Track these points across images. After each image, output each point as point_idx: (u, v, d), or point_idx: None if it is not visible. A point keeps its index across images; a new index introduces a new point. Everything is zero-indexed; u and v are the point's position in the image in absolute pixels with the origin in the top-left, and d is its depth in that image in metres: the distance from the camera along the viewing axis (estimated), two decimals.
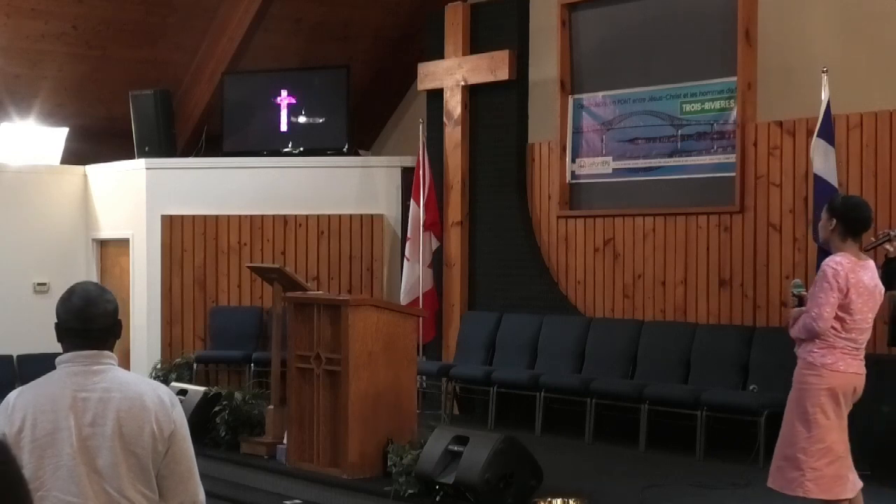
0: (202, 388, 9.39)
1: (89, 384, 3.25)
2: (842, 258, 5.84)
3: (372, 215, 12.00)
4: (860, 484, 5.98)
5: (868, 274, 5.86)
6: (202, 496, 3.38)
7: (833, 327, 5.81)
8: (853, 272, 5.80)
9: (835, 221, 5.90)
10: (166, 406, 3.29)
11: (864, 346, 5.91)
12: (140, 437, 3.24)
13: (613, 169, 10.38)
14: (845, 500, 5.92)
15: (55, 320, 3.30)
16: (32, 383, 3.34)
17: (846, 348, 5.82)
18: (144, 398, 3.27)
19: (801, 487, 5.84)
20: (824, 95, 8.15)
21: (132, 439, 3.23)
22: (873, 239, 6.17)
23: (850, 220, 5.89)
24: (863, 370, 5.89)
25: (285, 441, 8.37)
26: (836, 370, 5.80)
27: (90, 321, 3.27)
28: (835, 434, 5.80)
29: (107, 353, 3.30)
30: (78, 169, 12.76)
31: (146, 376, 6.45)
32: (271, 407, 8.77)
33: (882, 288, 5.97)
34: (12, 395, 3.29)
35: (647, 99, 10.10)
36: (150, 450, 3.26)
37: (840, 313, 5.79)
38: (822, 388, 5.81)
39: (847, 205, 6.03)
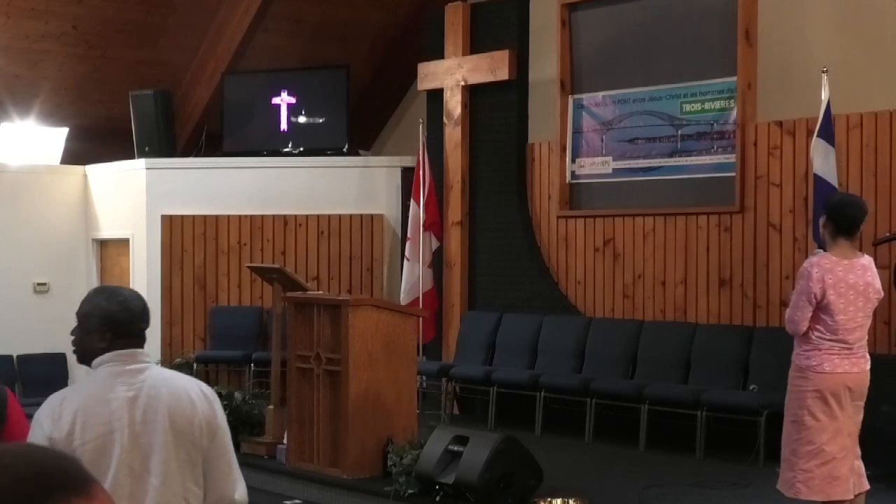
0: None
1: (136, 382, 3.28)
2: (819, 259, 5.84)
3: (372, 215, 12.00)
4: (865, 486, 5.96)
5: (856, 273, 5.83)
6: (241, 490, 3.42)
7: (817, 329, 5.80)
8: (831, 272, 5.77)
9: (825, 219, 5.92)
10: (210, 400, 3.36)
11: (858, 344, 5.87)
12: (190, 431, 3.29)
13: (613, 169, 10.38)
14: (845, 501, 5.91)
15: (105, 322, 3.29)
16: (76, 386, 3.36)
17: (833, 349, 5.80)
18: (190, 393, 3.33)
19: (793, 489, 5.86)
20: (824, 95, 8.15)
21: (183, 434, 3.27)
22: (888, 234, 6.17)
23: (838, 218, 5.88)
24: (858, 368, 5.84)
25: (285, 441, 8.37)
26: (821, 372, 5.79)
27: (147, 322, 3.36)
28: (825, 435, 5.78)
29: (143, 350, 3.35)
30: (78, 169, 12.76)
31: None
32: (271, 407, 8.77)
33: (879, 287, 5.94)
34: (56, 399, 3.28)
35: (647, 99, 10.10)
36: (198, 444, 3.30)
37: (821, 315, 5.78)
38: (807, 390, 5.81)
39: (837, 203, 6.04)
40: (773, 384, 8.50)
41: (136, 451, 3.22)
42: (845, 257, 5.85)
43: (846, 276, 5.79)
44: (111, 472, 3.19)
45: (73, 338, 3.39)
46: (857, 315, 5.82)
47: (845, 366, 5.80)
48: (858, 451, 5.95)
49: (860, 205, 6.07)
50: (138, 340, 3.33)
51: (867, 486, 5.97)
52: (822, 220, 5.97)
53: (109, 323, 3.29)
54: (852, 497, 5.91)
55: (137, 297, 3.38)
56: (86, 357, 3.34)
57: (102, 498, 1.34)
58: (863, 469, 5.96)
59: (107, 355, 3.29)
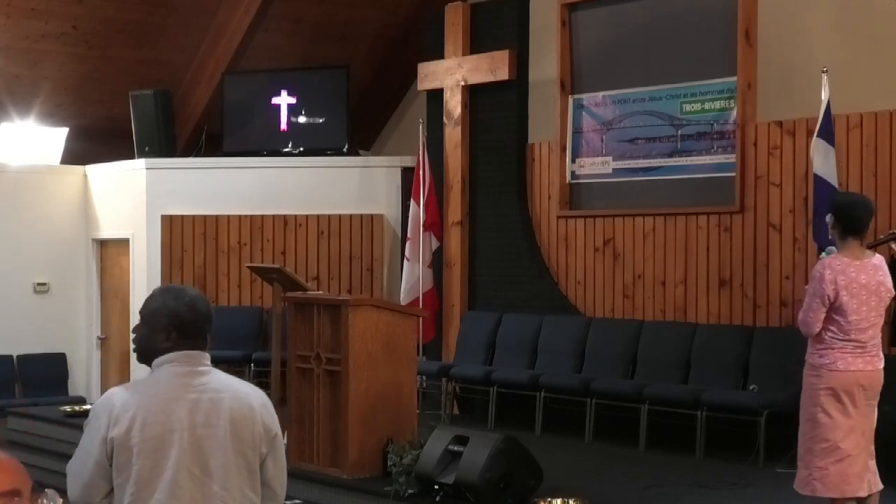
0: None
1: (198, 384, 3.25)
2: (832, 260, 5.87)
3: (372, 215, 12.00)
4: (879, 486, 5.98)
5: (867, 273, 5.86)
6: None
7: (830, 329, 5.84)
8: (844, 273, 5.81)
9: (833, 220, 5.94)
10: (269, 408, 3.36)
11: (872, 342, 5.92)
12: (251, 438, 3.28)
13: (613, 169, 10.38)
14: (857, 498, 5.95)
15: (172, 321, 3.25)
16: (133, 384, 3.34)
17: (846, 348, 5.84)
18: (251, 400, 3.32)
19: (808, 486, 5.90)
20: (824, 95, 8.15)
21: (244, 441, 3.27)
22: (881, 237, 6.20)
23: (845, 218, 5.92)
24: (871, 367, 5.90)
25: (285, 441, 8.37)
26: (834, 370, 5.83)
27: (212, 323, 3.34)
28: (840, 433, 5.83)
29: (207, 353, 3.33)
30: (78, 169, 12.76)
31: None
32: None
33: (891, 286, 5.97)
34: (114, 395, 3.26)
35: (647, 99, 10.10)
36: (258, 451, 3.30)
37: (834, 316, 5.82)
38: (821, 388, 5.85)
39: (843, 203, 6.07)
40: (773, 384, 8.51)
41: (196, 454, 3.20)
42: (856, 258, 5.90)
43: (858, 277, 5.83)
44: (169, 473, 3.17)
45: (134, 335, 3.36)
46: (870, 314, 5.87)
47: (859, 364, 5.85)
48: (873, 451, 6.00)
49: (866, 204, 6.09)
50: (202, 342, 3.31)
51: (880, 486, 6.01)
52: (829, 222, 5.99)
53: (176, 323, 3.26)
54: (866, 495, 5.94)
55: (203, 298, 3.36)
56: (148, 356, 3.32)
57: None
58: (875, 468, 5.99)
59: (170, 355, 3.26)
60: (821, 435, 5.84)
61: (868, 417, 5.94)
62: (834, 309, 5.81)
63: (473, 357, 10.72)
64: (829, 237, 6.21)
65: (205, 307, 3.33)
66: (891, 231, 6.38)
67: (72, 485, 3.25)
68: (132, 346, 3.40)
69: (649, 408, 8.94)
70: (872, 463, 5.98)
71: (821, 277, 5.81)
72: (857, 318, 5.82)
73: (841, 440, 5.82)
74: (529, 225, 10.94)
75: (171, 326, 3.26)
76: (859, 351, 5.85)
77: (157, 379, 3.27)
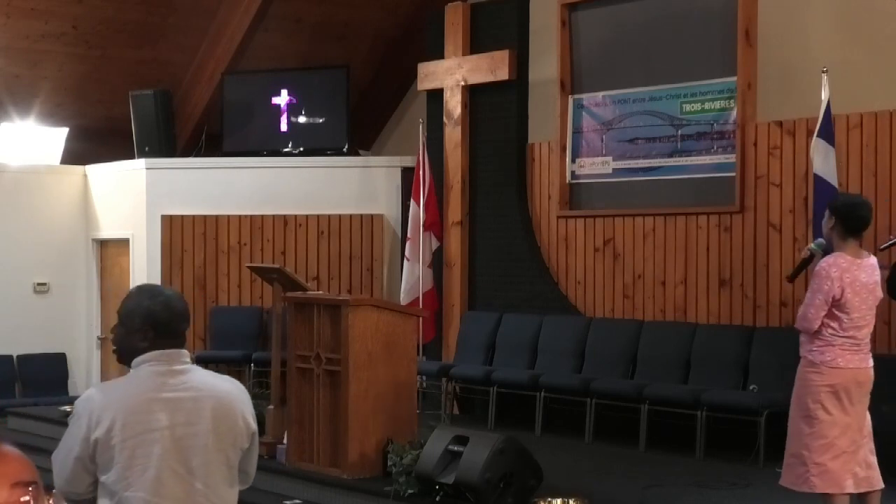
0: None
1: (178, 383, 3.27)
2: (836, 258, 5.94)
3: (372, 215, 12.00)
4: (880, 484, 6.00)
5: (866, 272, 5.95)
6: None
7: (831, 326, 5.91)
8: (848, 272, 5.89)
9: (834, 220, 5.99)
10: (249, 405, 3.40)
11: (866, 340, 6.00)
12: (233, 435, 3.30)
13: (613, 169, 10.38)
14: (857, 496, 5.98)
15: (148, 321, 3.27)
16: (114, 384, 3.36)
17: (845, 345, 5.92)
18: (232, 397, 3.35)
19: (806, 483, 5.93)
20: (824, 95, 8.15)
21: (225, 438, 3.28)
22: (891, 238, 6.26)
23: (848, 218, 5.98)
24: (866, 364, 5.98)
25: (285, 441, 8.37)
26: (835, 367, 5.89)
27: (188, 322, 3.37)
28: (837, 430, 5.89)
29: (185, 351, 3.35)
30: (78, 169, 12.76)
31: None
32: (271, 407, 8.77)
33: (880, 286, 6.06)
34: (94, 394, 3.27)
35: (647, 99, 10.10)
36: (239, 447, 3.32)
37: (837, 312, 5.89)
38: (821, 385, 5.90)
39: (850, 204, 6.14)
40: (773, 384, 8.51)
41: (178, 452, 3.22)
42: (857, 257, 5.98)
43: (860, 276, 5.93)
44: (152, 471, 3.19)
45: (113, 336, 3.38)
46: (867, 313, 5.96)
47: (856, 361, 5.94)
48: (873, 447, 6.05)
49: (869, 205, 6.21)
50: (180, 340, 3.33)
51: (881, 484, 6.03)
52: (828, 222, 6.03)
53: (152, 322, 3.28)
54: (863, 491, 5.98)
55: (179, 297, 3.38)
56: (127, 356, 3.34)
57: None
58: (876, 464, 6.02)
59: (149, 354, 3.28)
60: (819, 432, 5.89)
61: (863, 414, 6.00)
62: (837, 306, 5.88)
63: (473, 357, 10.72)
64: (823, 236, 6.27)
65: (181, 306, 3.35)
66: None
67: (56, 475, 3.29)
68: (112, 347, 3.40)
69: (649, 408, 8.94)
70: (873, 459, 6.03)
71: (827, 275, 5.88)
72: (858, 316, 5.91)
73: (837, 437, 5.88)
74: (529, 225, 10.94)
75: (148, 326, 3.28)
76: (855, 348, 5.94)
77: (137, 378, 3.29)
